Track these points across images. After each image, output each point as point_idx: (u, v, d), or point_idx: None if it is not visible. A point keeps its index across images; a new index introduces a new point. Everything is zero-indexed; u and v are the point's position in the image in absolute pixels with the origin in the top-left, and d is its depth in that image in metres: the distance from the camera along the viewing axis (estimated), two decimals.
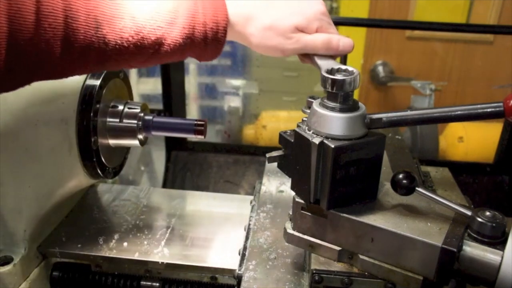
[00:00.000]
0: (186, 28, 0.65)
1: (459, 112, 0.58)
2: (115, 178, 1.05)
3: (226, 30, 0.68)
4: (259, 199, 0.94)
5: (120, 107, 0.94)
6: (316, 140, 0.59)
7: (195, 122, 0.92)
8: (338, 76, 0.59)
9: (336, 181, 0.60)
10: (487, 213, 0.57)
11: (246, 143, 2.38)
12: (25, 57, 0.54)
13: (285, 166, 0.68)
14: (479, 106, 0.57)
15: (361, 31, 2.49)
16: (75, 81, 0.89)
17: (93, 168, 0.95)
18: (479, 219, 0.57)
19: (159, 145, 2.07)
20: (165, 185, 1.89)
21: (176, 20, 0.64)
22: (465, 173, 1.81)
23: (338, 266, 0.65)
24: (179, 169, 1.92)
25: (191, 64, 2.60)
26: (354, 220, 0.62)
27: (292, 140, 0.64)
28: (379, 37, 2.60)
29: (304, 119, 0.65)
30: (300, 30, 0.69)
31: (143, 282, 0.86)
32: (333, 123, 0.59)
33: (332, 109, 0.60)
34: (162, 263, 0.83)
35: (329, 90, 0.60)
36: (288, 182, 0.79)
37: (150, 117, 0.94)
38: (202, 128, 0.92)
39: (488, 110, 0.57)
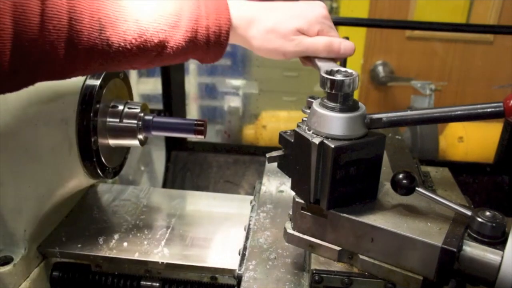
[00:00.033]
0: (189, 32, 0.66)
1: (459, 112, 0.58)
2: (115, 178, 1.05)
3: (228, 34, 0.68)
4: (259, 199, 0.94)
5: (120, 107, 0.94)
6: (316, 140, 0.59)
7: (195, 122, 0.92)
8: (337, 77, 0.59)
9: (336, 181, 0.60)
10: (487, 213, 0.57)
11: (246, 143, 2.38)
12: (29, 58, 0.55)
13: (285, 166, 0.68)
14: (479, 106, 0.57)
15: (361, 31, 2.49)
16: (75, 81, 0.89)
17: (93, 168, 0.95)
18: (479, 219, 0.57)
19: (159, 145, 2.07)
20: (165, 185, 1.89)
21: (179, 23, 0.65)
22: (465, 173, 1.81)
23: (338, 266, 0.65)
24: (179, 169, 1.92)
25: (191, 64, 2.60)
26: (354, 220, 0.62)
27: (292, 140, 0.64)
28: (379, 37, 2.60)
29: (304, 119, 0.65)
30: (302, 33, 0.70)
31: (143, 282, 0.86)
32: (333, 123, 0.59)
33: (332, 109, 0.60)
34: (162, 263, 0.83)
35: (328, 91, 0.60)
36: (288, 182, 0.79)
37: (150, 117, 0.94)
38: (202, 128, 0.92)
39: (488, 110, 0.57)
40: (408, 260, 0.59)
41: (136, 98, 1.10)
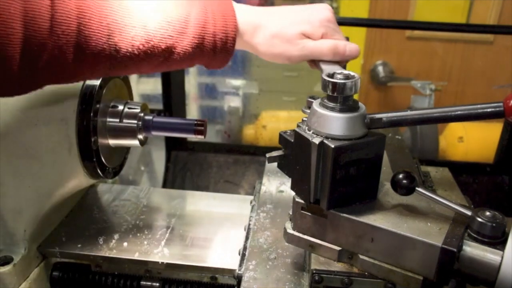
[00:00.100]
0: (196, 38, 0.66)
1: (459, 112, 0.58)
2: (115, 178, 1.05)
3: (235, 40, 0.69)
4: (259, 199, 0.94)
5: (120, 107, 0.94)
6: (316, 140, 0.59)
7: (195, 122, 0.92)
8: (339, 80, 0.59)
9: (336, 181, 0.60)
10: (487, 213, 0.57)
11: (246, 143, 2.38)
12: (38, 62, 0.55)
13: (285, 166, 0.68)
14: (479, 106, 0.57)
15: (361, 31, 2.49)
16: None
17: (93, 168, 0.95)
18: (479, 219, 0.57)
19: (159, 145, 2.06)
20: (165, 185, 1.89)
21: (186, 29, 0.65)
22: (465, 173, 1.81)
23: (338, 266, 0.65)
24: (179, 169, 1.92)
25: None
26: (354, 220, 0.62)
27: (292, 140, 0.64)
28: (379, 37, 2.60)
29: (304, 119, 0.65)
30: (306, 36, 0.70)
31: (143, 282, 0.86)
32: (333, 123, 0.59)
33: (332, 109, 0.60)
34: (162, 263, 0.83)
35: (330, 94, 0.60)
36: (288, 182, 0.79)
37: (150, 117, 0.94)
38: (202, 128, 0.92)
39: (488, 110, 0.57)
40: (408, 260, 0.59)
41: (136, 98, 1.10)
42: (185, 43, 0.66)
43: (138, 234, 0.90)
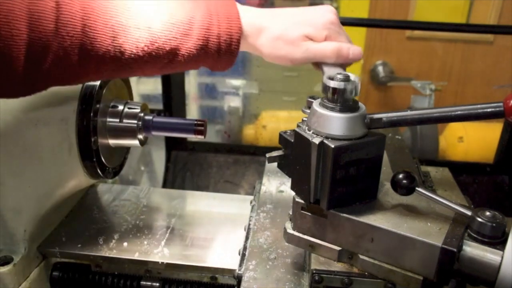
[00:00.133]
0: (201, 40, 0.66)
1: (459, 112, 0.58)
2: (115, 178, 1.05)
3: (239, 42, 0.69)
4: (259, 199, 0.94)
5: (120, 107, 0.94)
6: (316, 140, 0.59)
7: (195, 122, 0.92)
8: (339, 84, 0.59)
9: (336, 181, 0.60)
10: (487, 213, 0.57)
11: (246, 143, 2.38)
12: (42, 64, 0.56)
13: (285, 166, 0.68)
14: (479, 106, 0.57)
15: (361, 31, 2.49)
16: None
17: (93, 168, 0.95)
18: (479, 219, 0.57)
19: (159, 145, 2.06)
20: (165, 185, 1.89)
21: (191, 31, 0.65)
22: (465, 173, 1.81)
23: (338, 266, 0.65)
24: (179, 169, 1.92)
25: None
26: (354, 220, 0.62)
27: (292, 140, 0.64)
28: (379, 37, 2.60)
29: (304, 119, 0.65)
30: (310, 38, 0.70)
31: (143, 282, 0.86)
32: (333, 123, 0.59)
33: (332, 109, 0.60)
34: (162, 263, 0.83)
35: (331, 97, 0.60)
36: (288, 182, 0.79)
37: (150, 117, 0.94)
38: (202, 128, 0.92)
39: (488, 110, 0.57)
40: (408, 260, 0.59)
41: (136, 98, 1.10)
42: (190, 45, 0.66)
43: (138, 234, 0.90)
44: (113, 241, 0.87)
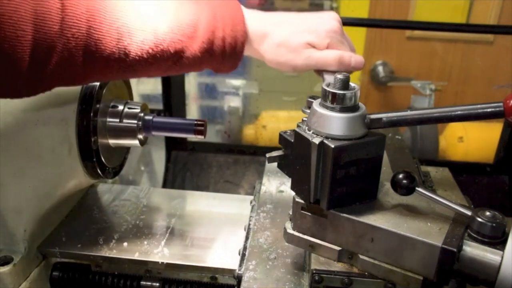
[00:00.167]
0: (205, 43, 0.66)
1: (459, 112, 0.58)
2: (115, 178, 1.05)
3: (244, 45, 0.70)
4: (259, 199, 0.94)
5: (120, 107, 0.94)
6: (316, 140, 0.59)
7: (195, 122, 0.92)
8: (339, 91, 0.59)
9: (336, 181, 0.60)
10: (487, 213, 0.57)
11: (246, 143, 2.38)
12: (47, 65, 0.55)
13: (285, 166, 0.68)
14: (479, 106, 0.57)
15: (361, 31, 2.49)
16: None
17: (93, 168, 0.95)
18: (479, 219, 0.57)
19: (159, 145, 2.06)
20: (165, 185, 1.89)
21: (196, 34, 0.65)
22: (465, 173, 1.81)
23: (338, 266, 0.65)
24: (179, 169, 1.92)
25: None
26: (354, 220, 0.62)
27: (292, 140, 0.64)
28: (379, 37, 2.60)
29: (304, 119, 0.65)
30: (312, 46, 0.70)
31: (143, 282, 0.86)
32: (333, 123, 0.59)
33: (332, 109, 0.60)
34: (162, 263, 0.83)
35: (330, 104, 0.60)
36: (288, 182, 0.79)
37: (150, 117, 0.94)
38: (202, 128, 0.92)
39: (488, 110, 0.57)
40: (408, 260, 0.59)
41: (136, 98, 1.10)
42: (195, 47, 0.66)
43: (138, 234, 0.90)
44: (113, 241, 0.87)
